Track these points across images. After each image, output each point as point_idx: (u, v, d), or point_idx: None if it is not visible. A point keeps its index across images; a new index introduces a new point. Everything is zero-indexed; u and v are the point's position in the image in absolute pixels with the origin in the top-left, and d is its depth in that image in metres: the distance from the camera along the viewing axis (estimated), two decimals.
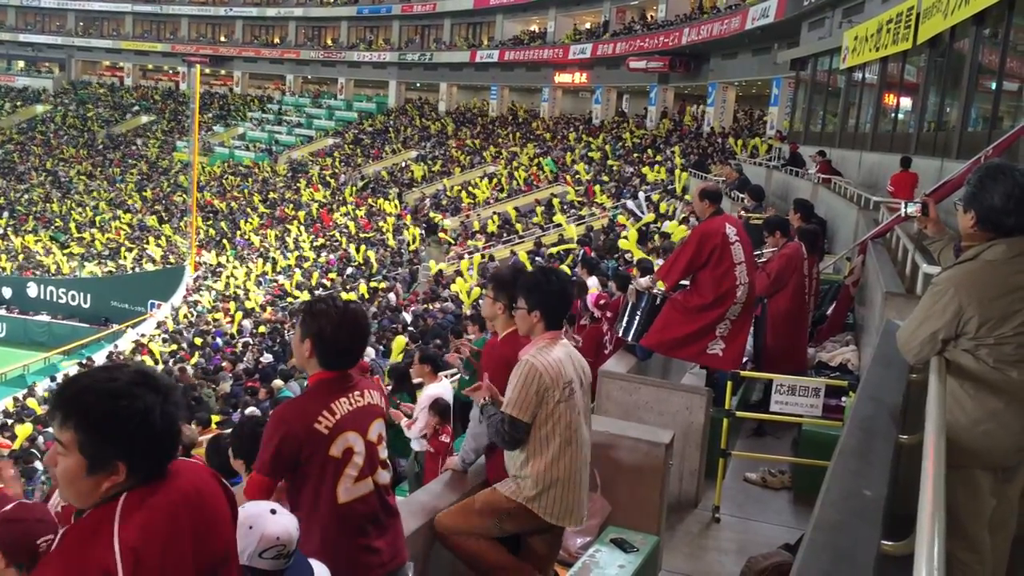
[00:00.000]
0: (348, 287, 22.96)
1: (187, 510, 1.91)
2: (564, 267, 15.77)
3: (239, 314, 24.00)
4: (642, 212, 20.41)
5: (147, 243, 36.87)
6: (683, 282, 6.08)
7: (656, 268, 7.51)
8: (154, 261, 35.21)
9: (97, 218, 41.29)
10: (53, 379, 22.88)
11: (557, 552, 3.85)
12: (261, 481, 2.89)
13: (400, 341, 13.10)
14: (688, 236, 6.05)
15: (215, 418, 11.74)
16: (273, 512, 2.58)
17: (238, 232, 35.83)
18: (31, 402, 19.60)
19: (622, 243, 16.29)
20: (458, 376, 7.76)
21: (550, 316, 3.66)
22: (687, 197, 20.04)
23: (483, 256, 22.69)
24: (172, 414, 1.87)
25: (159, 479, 1.91)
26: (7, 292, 33.96)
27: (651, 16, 36.59)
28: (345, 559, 2.93)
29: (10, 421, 17.55)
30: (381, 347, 13.96)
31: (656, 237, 16.66)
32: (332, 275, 25.77)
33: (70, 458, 1.83)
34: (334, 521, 2.91)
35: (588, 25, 40.28)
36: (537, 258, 19.84)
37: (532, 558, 3.80)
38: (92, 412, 1.81)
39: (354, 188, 36.86)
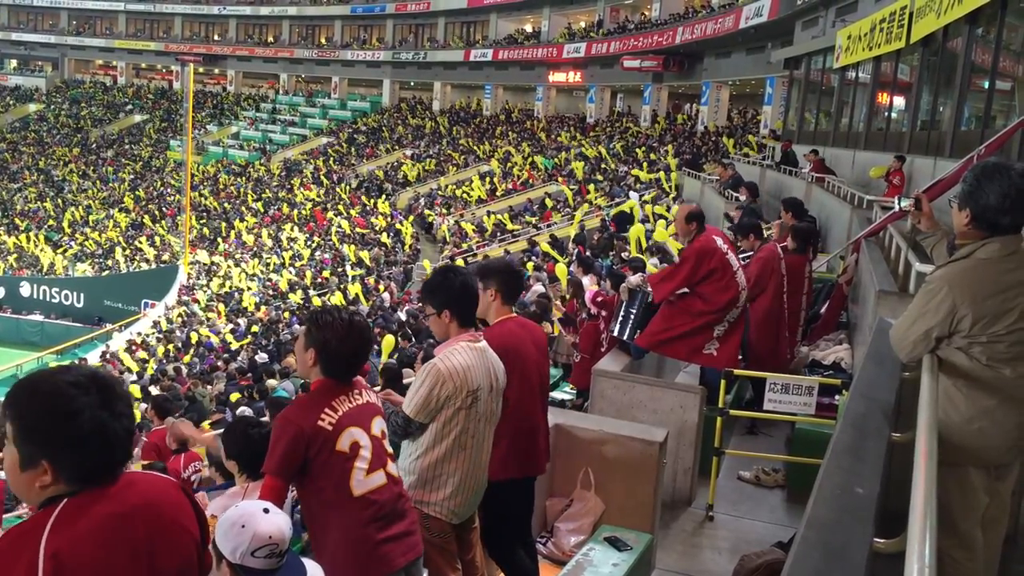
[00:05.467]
0: (341, 286, 22.92)
1: (134, 523, 1.88)
2: (560, 265, 15.74)
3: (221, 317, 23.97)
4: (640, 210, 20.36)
5: (140, 242, 36.79)
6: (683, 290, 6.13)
7: (649, 266, 7.53)
8: (148, 260, 35.13)
9: (91, 217, 41.19)
10: None
11: (470, 549, 3.77)
12: (274, 484, 2.97)
13: (390, 340, 13.05)
14: (684, 254, 6.04)
15: (208, 419, 11.71)
16: (266, 511, 2.57)
17: (232, 231, 35.77)
18: None
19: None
20: None
21: (460, 313, 3.57)
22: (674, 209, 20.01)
23: (475, 255, 22.67)
24: (103, 420, 1.82)
25: (104, 486, 1.87)
26: (0, 291, 33.85)
27: (645, 15, 36.61)
28: (369, 550, 3.00)
29: None
30: (376, 347, 13.94)
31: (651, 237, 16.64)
32: (326, 273, 25.75)
33: (9, 450, 1.84)
34: (352, 514, 2.98)
35: (582, 24, 40.28)
36: (533, 257, 19.83)
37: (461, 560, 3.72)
38: (21, 406, 1.81)
39: (348, 187, 36.84)
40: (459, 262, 20.95)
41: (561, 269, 14.53)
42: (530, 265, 17.85)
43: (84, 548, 1.80)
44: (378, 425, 3.11)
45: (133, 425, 1.93)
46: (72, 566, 1.77)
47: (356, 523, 2.98)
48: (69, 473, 1.84)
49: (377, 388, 8.42)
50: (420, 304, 4.09)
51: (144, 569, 1.90)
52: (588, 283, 10.35)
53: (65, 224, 40.56)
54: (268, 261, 30.14)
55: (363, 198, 34.72)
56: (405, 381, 8.01)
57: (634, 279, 6.49)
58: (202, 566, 2.14)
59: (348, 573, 2.97)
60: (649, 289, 6.18)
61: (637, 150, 29.99)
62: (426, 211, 30.39)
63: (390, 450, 3.16)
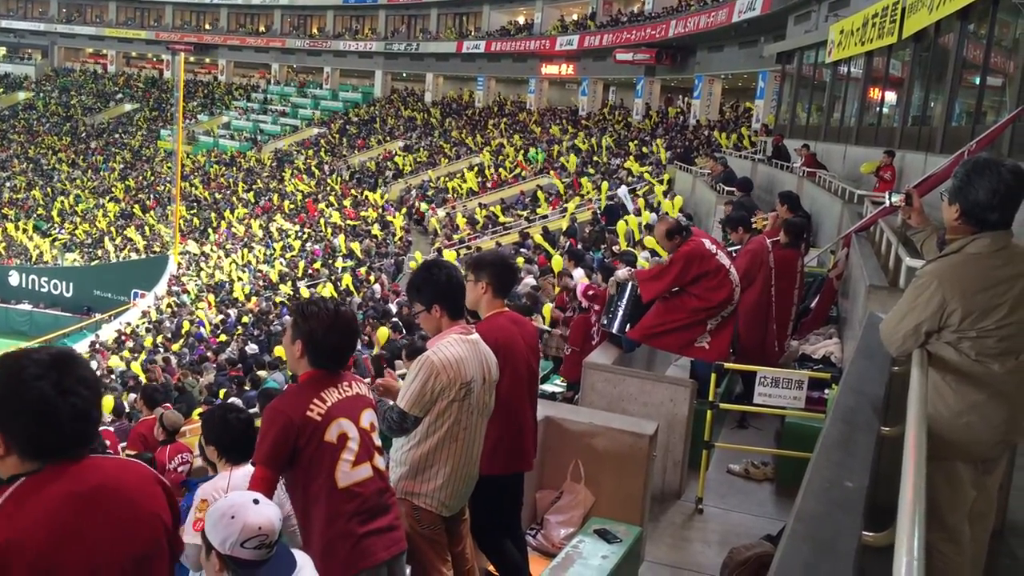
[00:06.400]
0: (332, 277, 22.88)
1: (93, 504, 1.90)
2: (556, 257, 15.73)
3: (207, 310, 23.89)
4: (629, 204, 20.38)
5: (130, 232, 36.62)
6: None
7: (641, 260, 7.55)
8: (138, 250, 34.99)
9: (79, 207, 41.00)
10: None
11: (460, 541, 3.77)
12: (263, 474, 2.96)
13: (384, 332, 13.04)
14: (674, 257, 6.08)
15: (198, 409, 11.69)
16: (256, 502, 2.57)
17: (222, 222, 35.65)
18: None
19: (620, 226, 16.30)
20: None
21: (449, 306, 3.55)
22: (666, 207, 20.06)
23: (469, 248, 22.64)
24: (47, 395, 1.85)
25: (63, 465, 1.89)
26: None
27: (638, 8, 36.57)
28: (351, 543, 2.99)
29: None
30: (366, 337, 13.93)
31: (644, 230, 16.66)
32: (317, 265, 25.69)
33: None
34: (335, 506, 2.98)
35: (575, 16, 40.22)
36: (523, 250, 19.81)
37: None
38: None
39: (339, 178, 36.75)
40: (450, 254, 20.93)
41: (557, 261, 14.53)
42: (520, 259, 17.77)
43: (35, 526, 1.81)
44: (367, 417, 3.11)
45: (88, 406, 1.93)
46: (20, 544, 1.78)
47: (339, 515, 2.98)
48: (20, 447, 1.86)
49: (368, 380, 8.41)
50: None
51: (103, 550, 1.90)
52: (579, 276, 10.35)
53: (54, 213, 40.36)
54: (258, 252, 30.04)
55: (352, 191, 34.61)
56: (397, 372, 8.00)
57: (622, 273, 6.51)
58: (172, 553, 2.15)
59: (330, 565, 2.96)
60: (636, 282, 6.22)
61: (630, 143, 30.00)
62: (418, 203, 30.34)
63: (379, 443, 3.15)
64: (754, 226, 8.51)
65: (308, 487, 3.00)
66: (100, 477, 1.94)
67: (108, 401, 12.03)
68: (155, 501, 2.07)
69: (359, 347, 13.07)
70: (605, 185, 22.12)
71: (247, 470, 3.54)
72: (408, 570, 3.41)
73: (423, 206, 29.76)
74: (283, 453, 2.94)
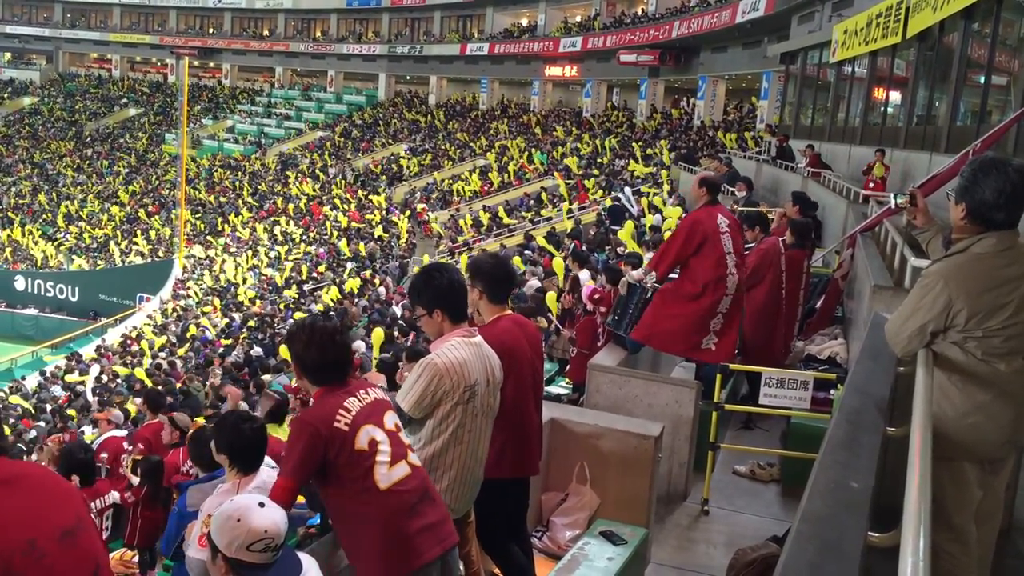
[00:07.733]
0: (337, 280, 22.91)
1: (18, 483, 2.04)
2: (557, 259, 15.71)
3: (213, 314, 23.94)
4: (632, 206, 20.36)
5: (136, 236, 36.70)
6: (672, 276, 6.14)
7: (646, 262, 7.54)
8: (143, 255, 35.06)
9: (85, 211, 41.10)
10: (43, 373, 22.82)
11: (465, 544, 3.76)
12: (287, 485, 2.95)
13: (379, 333, 12.97)
14: (678, 225, 6.08)
15: (201, 416, 11.69)
16: (261, 505, 2.58)
17: (227, 226, 35.70)
18: (14, 399, 19.49)
19: (621, 235, 16.32)
20: None
21: (450, 310, 3.55)
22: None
23: (471, 250, 22.64)
24: None
25: None
26: None
27: (641, 9, 36.57)
28: (402, 543, 2.99)
29: None
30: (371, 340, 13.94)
31: (648, 231, 16.65)
32: (321, 268, 25.72)
33: None
34: (384, 509, 2.97)
35: (578, 18, 40.24)
36: (526, 251, 19.81)
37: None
38: None
39: (344, 181, 36.79)
40: (465, 255, 20.94)
41: (558, 263, 14.51)
42: (517, 259, 17.72)
43: None
44: (390, 419, 3.10)
45: None
46: None
47: (390, 516, 2.98)
48: None
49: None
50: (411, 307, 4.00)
51: (33, 523, 2.00)
52: (586, 278, 10.35)
53: (60, 219, 40.45)
54: (263, 255, 30.08)
55: (359, 192, 34.64)
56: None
57: (635, 273, 6.49)
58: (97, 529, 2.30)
59: (382, 567, 2.97)
60: (648, 284, 6.19)
61: (633, 144, 29.98)
62: (418, 206, 30.38)
63: (408, 441, 3.15)
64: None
65: (349, 496, 2.99)
66: (17, 467, 2.09)
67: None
68: (70, 486, 2.25)
69: (364, 350, 13.09)
70: (608, 201, 22.07)
71: (254, 486, 3.52)
72: None
73: (419, 207, 29.82)
74: (310, 465, 2.94)
